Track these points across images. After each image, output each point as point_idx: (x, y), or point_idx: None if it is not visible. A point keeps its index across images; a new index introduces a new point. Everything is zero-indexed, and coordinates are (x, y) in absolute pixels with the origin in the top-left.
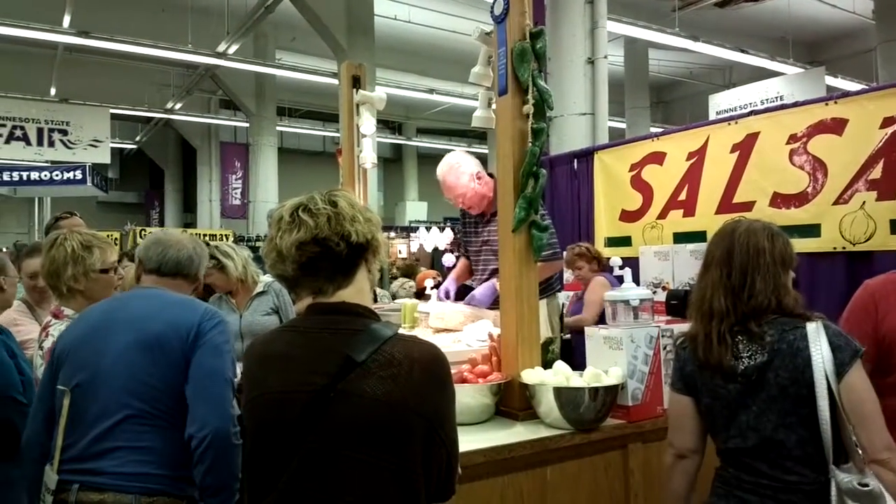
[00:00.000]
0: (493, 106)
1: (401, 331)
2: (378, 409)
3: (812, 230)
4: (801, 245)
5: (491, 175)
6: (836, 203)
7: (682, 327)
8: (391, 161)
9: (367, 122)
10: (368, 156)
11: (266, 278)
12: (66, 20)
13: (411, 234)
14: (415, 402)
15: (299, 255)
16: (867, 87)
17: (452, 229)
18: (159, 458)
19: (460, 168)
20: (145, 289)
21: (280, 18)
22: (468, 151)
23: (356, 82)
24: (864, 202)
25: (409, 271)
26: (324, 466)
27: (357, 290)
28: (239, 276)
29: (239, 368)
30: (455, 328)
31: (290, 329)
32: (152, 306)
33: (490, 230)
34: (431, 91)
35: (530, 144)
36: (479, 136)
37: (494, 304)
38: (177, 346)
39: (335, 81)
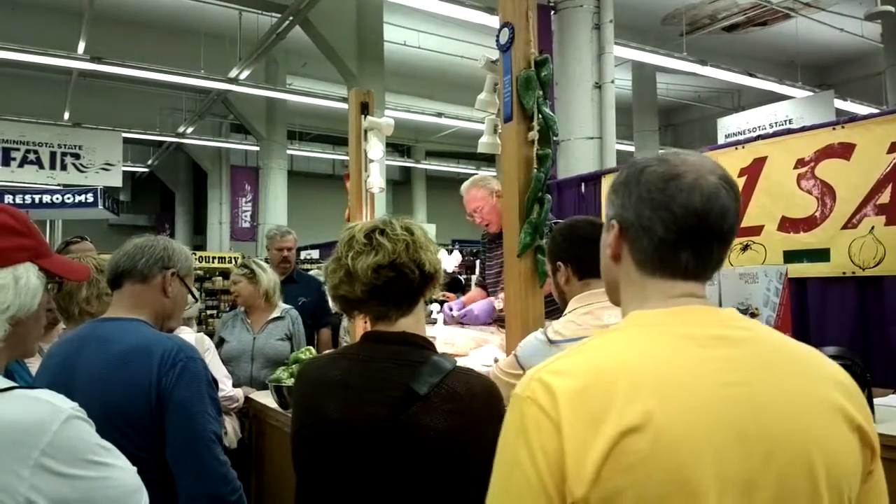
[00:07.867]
0: (499, 132)
1: (459, 362)
2: (439, 442)
3: (821, 255)
4: (811, 269)
5: None
6: (844, 228)
7: None
8: (400, 183)
9: (374, 148)
10: (376, 181)
11: (284, 305)
12: (81, 46)
13: None
14: (475, 437)
15: (375, 278)
16: (875, 111)
17: (461, 251)
18: None
19: (482, 183)
20: (99, 322)
21: (291, 45)
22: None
23: (364, 108)
24: (872, 227)
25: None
26: (383, 498)
27: (416, 320)
28: (267, 290)
29: (243, 392)
30: (462, 353)
31: (346, 356)
32: (106, 360)
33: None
34: (440, 115)
35: (535, 170)
36: (488, 158)
37: (494, 322)
38: (145, 414)
39: (345, 106)
